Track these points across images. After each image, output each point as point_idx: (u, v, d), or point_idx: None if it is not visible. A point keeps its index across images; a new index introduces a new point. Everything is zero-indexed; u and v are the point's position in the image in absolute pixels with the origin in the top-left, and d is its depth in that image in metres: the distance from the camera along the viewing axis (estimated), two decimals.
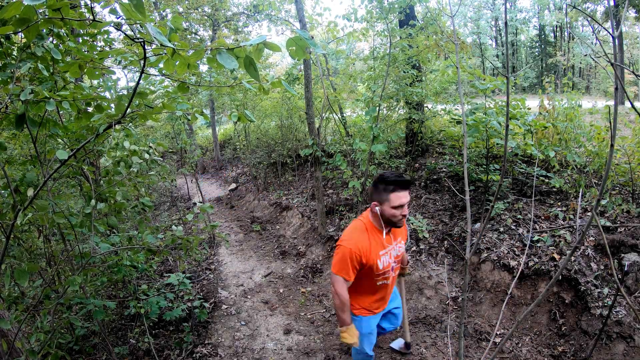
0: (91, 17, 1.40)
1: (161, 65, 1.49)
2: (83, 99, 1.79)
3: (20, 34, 1.72)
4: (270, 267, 6.45)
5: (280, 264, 6.57)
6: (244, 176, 12.54)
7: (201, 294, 5.32)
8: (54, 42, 2.10)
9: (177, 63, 1.41)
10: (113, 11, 1.34)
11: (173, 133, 11.17)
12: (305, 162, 9.73)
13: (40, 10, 1.51)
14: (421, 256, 5.11)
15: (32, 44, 1.77)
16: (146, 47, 1.37)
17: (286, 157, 10.20)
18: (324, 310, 4.94)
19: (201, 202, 6.66)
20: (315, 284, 5.81)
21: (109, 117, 1.82)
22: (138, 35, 1.28)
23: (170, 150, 11.34)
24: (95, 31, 2.37)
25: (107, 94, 2.75)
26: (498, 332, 3.92)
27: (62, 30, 2.03)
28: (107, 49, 3.05)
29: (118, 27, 1.30)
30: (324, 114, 8.42)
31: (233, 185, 12.08)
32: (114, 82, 2.71)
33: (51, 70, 1.91)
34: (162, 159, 2.85)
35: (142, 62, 1.40)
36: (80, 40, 2.36)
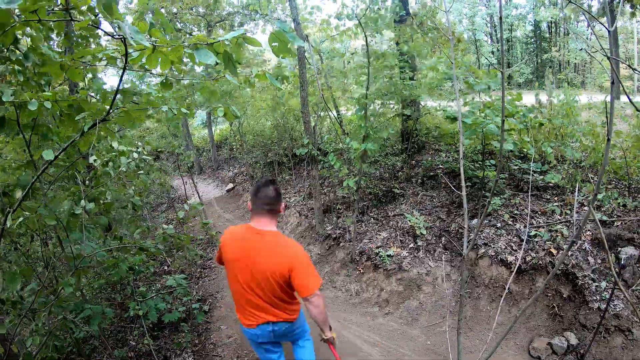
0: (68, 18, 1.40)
1: (144, 60, 1.49)
2: (67, 101, 1.79)
3: None
4: None
5: None
6: (240, 176, 12.49)
7: (199, 294, 5.31)
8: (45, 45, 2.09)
9: (159, 59, 1.41)
10: (90, 9, 1.33)
11: (169, 134, 11.13)
12: (301, 161, 9.69)
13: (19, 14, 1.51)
14: (419, 253, 5.11)
15: (6, 50, 1.77)
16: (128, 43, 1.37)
17: (282, 156, 10.17)
18: None
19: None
20: None
21: (92, 115, 1.82)
22: (118, 32, 1.28)
23: (168, 152, 11.27)
24: (88, 34, 2.36)
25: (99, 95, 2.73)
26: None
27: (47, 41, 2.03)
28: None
29: (95, 24, 1.30)
30: (319, 113, 8.40)
31: (230, 185, 12.04)
32: (94, 81, 2.69)
33: (35, 71, 1.90)
34: (150, 158, 2.84)
35: (124, 58, 1.40)
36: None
